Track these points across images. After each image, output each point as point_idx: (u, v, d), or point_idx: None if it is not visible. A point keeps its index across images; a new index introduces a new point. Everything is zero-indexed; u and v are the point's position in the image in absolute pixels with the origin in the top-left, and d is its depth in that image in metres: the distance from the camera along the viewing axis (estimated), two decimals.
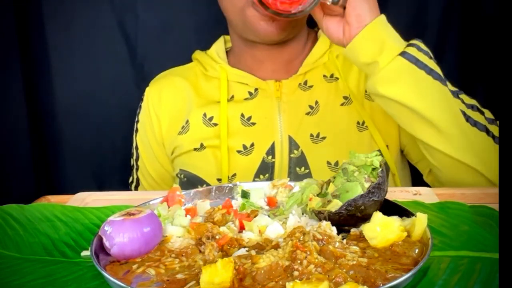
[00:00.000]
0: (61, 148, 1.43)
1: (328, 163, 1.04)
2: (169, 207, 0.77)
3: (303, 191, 0.74)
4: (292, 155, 1.06)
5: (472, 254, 0.65)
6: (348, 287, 0.53)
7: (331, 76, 1.11)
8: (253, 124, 1.09)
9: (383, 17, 0.90)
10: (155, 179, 1.21)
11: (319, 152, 1.05)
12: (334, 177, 0.72)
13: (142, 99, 1.20)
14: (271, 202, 0.79)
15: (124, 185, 1.26)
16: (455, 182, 0.95)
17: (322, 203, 0.70)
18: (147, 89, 1.21)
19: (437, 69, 0.92)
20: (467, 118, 0.92)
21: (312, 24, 1.18)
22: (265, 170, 1.06)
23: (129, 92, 1.35)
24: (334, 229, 0.64)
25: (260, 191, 0.80)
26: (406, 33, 0.94)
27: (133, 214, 0.65)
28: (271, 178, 1.05)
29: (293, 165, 1.06)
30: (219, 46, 1.18)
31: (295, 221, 0.68)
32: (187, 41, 1.35)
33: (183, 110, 1.15)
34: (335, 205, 0.67)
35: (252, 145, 1.07)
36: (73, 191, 0.94)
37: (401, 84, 0.89)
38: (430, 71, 0.90)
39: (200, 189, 0.83)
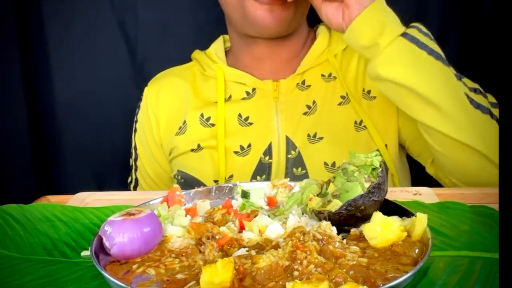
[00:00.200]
0: (61, 148, 1.43)
1: (325, 163, 1.04)
2: (169, 207, 0.77)
3: (303, 191, 0.74)
4: (289, 156, 1.06)
5: (472, 254, 0.65)
6: (348, 287, 0.53)
7: (329, 75, 1.11)
8: (250, 124, 1.09)
9: (382, 0, 0.90)
10: (154, 180, 1.21)
11: (316, 153, 1.05)
12: (334, 177, 0.72)
13: (141, 99, 1.20)
14: (271, 202, 0.79)
15: (124, 185, 1.26)
16: (458, 166, 0.94)
17: (322, 203, 0.70)
18: (146, 89, 1.21)
19: (439, 50, 0.91)
20: (470, 100, 0.91)
21: (312, 24, 1.18)
22: (262, 171, 1.06)
23: (129, 92, 1.35)
24: (334, 229, 0.64)
25: (260, 191, 0.80)
26: None
27: (133, 214, 0.65)
28: (268, 179, 1.05)
29: (290, 165, 1.05)
30: (218, 46, 1.17)
31: (295, 221, 0.68)
32: (187, 41, 1.35)
33: (181, 111, 1.14)
34: (335, 205, 0.67)
35: (249, 145, 1.07)
36: (73, 191, 0.94)
37: (402, 65, 0.89)
38: (431, 52, 0.90)
39: (200, 189, 0.83)
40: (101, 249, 0.65)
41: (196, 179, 1.08)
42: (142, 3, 1.39)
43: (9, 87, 1.36)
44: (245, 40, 1.12)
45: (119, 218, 0.65)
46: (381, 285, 0.54)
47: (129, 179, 1.24)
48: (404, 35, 0.89)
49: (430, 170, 1.08)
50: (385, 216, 0.63)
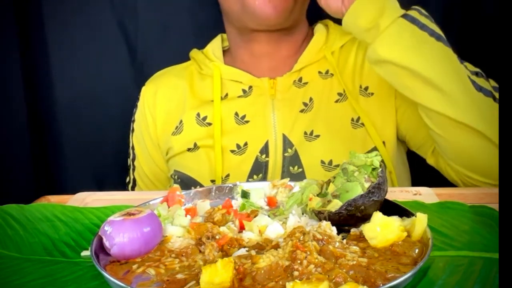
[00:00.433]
0: (61, 148, 1.43)
1: (322, 162, 1.03)
2: (169, 207, 0.77)
3: (303, 191, 0.74)
4: (286, 154, 1.05)
5: (472, 254, 0.65)
6: (348, 287, 0.53)
7: (326, 72, 1.11)
8: (247, 122, 1.08)
9: None
10: (151, 180, 1.21)
11: (313, 151, 1.04)
12: (334, 177, 0.72)
13: (138, 99, 1.20)
14: (271, 202, 0.79)
15: (124, 185, 1.26)
16: (460, 149, 0.92)
17: (322, 203, 0.70)
18: (143, 88, 1.20)
19: (440, 32, 0.90)
20: (472, 82, 0.89)
21: (311, 23, 1.18)
22: (259, 170, 1.06)
23: (129, 92, 1.35)
24: (334, 229, 0.64)
25: (260, 191, 0.80)
26: None
27: (133, 214, 0.65)
28: (264, 178, 1.05)
29: (286, 164, 1.05)
30: (215, 45, 1.17)
31: (295, 221, 0.68)
32: (187, 41, 1.35)
33: (178, 110, 1.14)
34: (335, 205, 0.67)
35: (246, 144, 1.07)
36: (73, 191, 0.95)
37: (403, 45, 0.88)
38: (432, 33, 0.89)
39: (200, 189, 0.83)
40: (101, 249, 0.65)
41: (193, 179, 1.08)
42: (142, 3, 1.39)
43: (9, 87, 1.36)
44: (244, 37, 1.11)
45: (119, 218, 0.65)
46: (381, 285, 0.54)
47: (127, 179, 1.24)
48: (404, 16, 0.89)
49: (430, 160, 1.06)
50: (385, 216, 0.63)
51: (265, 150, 1.06)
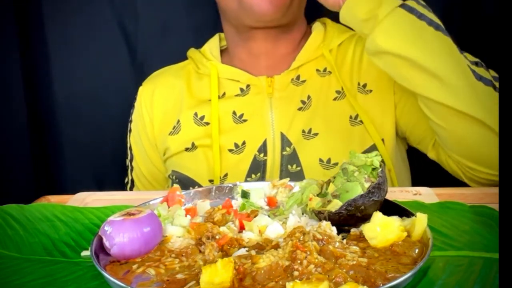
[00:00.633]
0: (61, 148, 1.43)
1: (320, 160, 1.03)
2: (169, 207, 0.77)
3: (303, 191, 0.74)
4: (284, 153, 1.05)
5: (472, 254, 0.65)
6: (348, 287, 0.53)
7: (324, 70, 1.10)
8: (245, 121, 1.08)
9: None
10: (149, 180, 1.21)
11: (311, 149, 1.04)
12: (334, 177, 0.72)
13: (135, 99, 1.20)
14: (271, 202, 0.79)
15: (124, 185, 1.26)
16: (460, 139, 0.92)
17: (322, 203, 0.70)
18: (140, 88, 1.20)
19: (438, 21, 0.90)
20: (472, 71, 0.89)
21: (309, 22, 1.18)
22: (257, 169, 1.05)
23: (129, 92, 1.34)
24: (334, 229, 0.64)
25: (260, 191, 0.80)
26: None
27: (133, 214, 0.65)
28: (263, 177, 1.04)
29: (284, 162, 1.04)
30: (213, 44, 1.17)
31: (295, 221, 0.68)
32: (187, 41, 1.35)
33: (175, 110, 1.14)
34: (335, 205, 0.67)
35: (244, 143, 1.07)
36: (73, 191, 0.95)
37: (401, 35, 0.88)
38: (430, 22, 0.88)
39: (200, 189, 0.83)
40: (101, 249, 0.65)
41: (191, 178, 1.08)
42: (142, 2, 1.39)
43: (9, 87, 1.36)
44: (242, 35, 1.11)
45: (119, 218, 0.65)
46: (381, 285, 0.54)
47: (126, 180, 1.23)
48: (402, 6, 0.88)
49: (431, 154, 1.05)
50: (385, 216, 0.63)
51: (263, 149, 1.06)
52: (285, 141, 1.06)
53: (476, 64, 0.91)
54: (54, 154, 1.44)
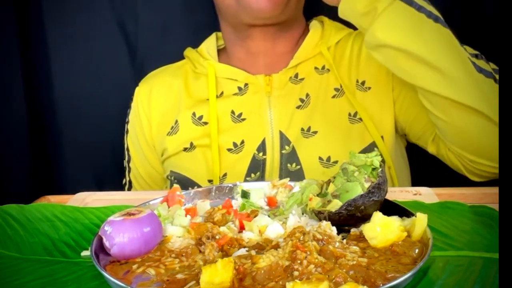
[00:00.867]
0: (61, 148, 1.43)
1: (320, 158, 1.03)
2: (169, 207, 0.77)
3: (303, 191, 0.74)
4: (283, 151, 1.05)
5: (472, 254, 0.65)
6: (348, 287, 0.53)
7: (323, 68, 1.10)
8: (243, 120, 1.08)
9: None
10: (147, 181, 1.20)
11: (311, 148, 1.04)
12: (334, 177, 0.72)
13: (132, 99, 1.19)
14: (271, 202, 0.79)
15: (122, 187, 1.26)
16: (461, 132, 0.91)
17: (322, 203, 0.70)
18: (137, 89, 1.19)
19: (437, 13, 0.89)
20: (473, 64, 0.88)
21: (306, 20, 1.18)
22: (256, 168, 1.05)
23: (129, 92, 1.34)
24: (334, 229, 0.64)
25: (260, 191, 0.80)
26: None
27: (133, 214, 0.65)
28: (262, 176, 1.04)
29: (284, 161, 1.04)
30: (210, 43, 1.16)
31: (295, 221, 0.68)
32: (187, 41, 1.35)
33: (173, 110, 1.13)
34: (335, 205, 0.67)
35: (242, 142, 1.06)
36: (73, 191, 0.94)
37: (401, 28, 0.87)
38: (430, 14, 0.88)
39: (200, 189, 0.83)
40: (101, 249, 0.65)
41: (190, 179, 1.07)
42: (142, 3, 1.39)
43: (9, 87, 1.36)
44: (240, 34, 1.11)
45: (119, 218, 0.65)
46: (381, 285, 0.54)
47: (124, 181, 1.23)
48: None
49: (431, 149, 1.05)
50: (385, 216, 0.63)
51: (262, 147, 1.06)
52: (284, 140, 1.05)
53: (476, 56, 0.91)
54: (54, 154, 1.44)
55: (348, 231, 0.66)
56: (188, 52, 1.18)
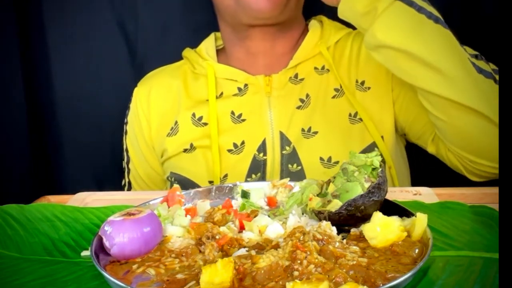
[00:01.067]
0: (61, 148, 1.43)
1: (321, 159, 1.03)
2: (169, 207, 0.77)
3: (303, 191, 0.74)
4: (284, 152, 1.05)
5: (472, 254, 0.65)
6: (348, 287, 0.53)
7: (322, 68, 1.10)
8: (243, 120, 1.08)
9: None
10: (146, 182, 1.20)
11: (311, 148, 1.04)
12: (334, 177, 0.72)
13: (130, 100, 1.19)
14: (271, 202, 0.79)
15: (122, 188, 1.26)
16: (461, 132, 0.91)
17: (322, 203, 0.70)
18: (136, 89, 1.19)
19: (437, 14, 0.89)
20: (472, 64, 0.88)
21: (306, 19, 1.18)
22: (257, 169, 1.05)
23: (129, 92, 1.34)
24: (334, 229, 0.64)
25: (260, 191, 0.80)
26: None
27: (133, 214, 0.65)
28: (263, 177, 1.04)
29: (285, 162, 1.04)
30: (208, 43, 1.16)
31: (295, 221, 0.68)
32: (187, 41, 1.35)
33: (173, 111, 1.13)
34: (335, 205, 0.67)
35: (243, 143, 1.06)
36: (73, 191, 0.94)
37: (401, 28, 0.87)
38: (430, 15, 0.88)
39: (200, 189, 0.83)
40: (101, 249, 0.65)
41: (190, 180, 1.07)
42: (142, 3, 1.39)
43: (9, 87, 1.35)
44: (239, 34, 1.10)
45: (119, 218, 0.65)
46: (381, 285, 0.54)
47: (123, 182, 1.23)
48: None
49: (431, 149, 1.05)
50: (385, 216, 0.63)
51: (262, 148, 1.06)
52: (284, 140, 1.05)
53: (476, 57, 0.91)
54: (54, 154, 1.44)
55: (348, 231, 0.66)
56: (187, 52, 1.18)
